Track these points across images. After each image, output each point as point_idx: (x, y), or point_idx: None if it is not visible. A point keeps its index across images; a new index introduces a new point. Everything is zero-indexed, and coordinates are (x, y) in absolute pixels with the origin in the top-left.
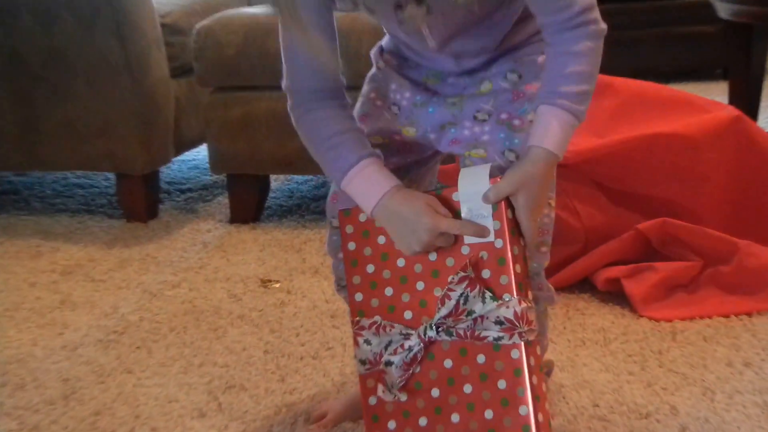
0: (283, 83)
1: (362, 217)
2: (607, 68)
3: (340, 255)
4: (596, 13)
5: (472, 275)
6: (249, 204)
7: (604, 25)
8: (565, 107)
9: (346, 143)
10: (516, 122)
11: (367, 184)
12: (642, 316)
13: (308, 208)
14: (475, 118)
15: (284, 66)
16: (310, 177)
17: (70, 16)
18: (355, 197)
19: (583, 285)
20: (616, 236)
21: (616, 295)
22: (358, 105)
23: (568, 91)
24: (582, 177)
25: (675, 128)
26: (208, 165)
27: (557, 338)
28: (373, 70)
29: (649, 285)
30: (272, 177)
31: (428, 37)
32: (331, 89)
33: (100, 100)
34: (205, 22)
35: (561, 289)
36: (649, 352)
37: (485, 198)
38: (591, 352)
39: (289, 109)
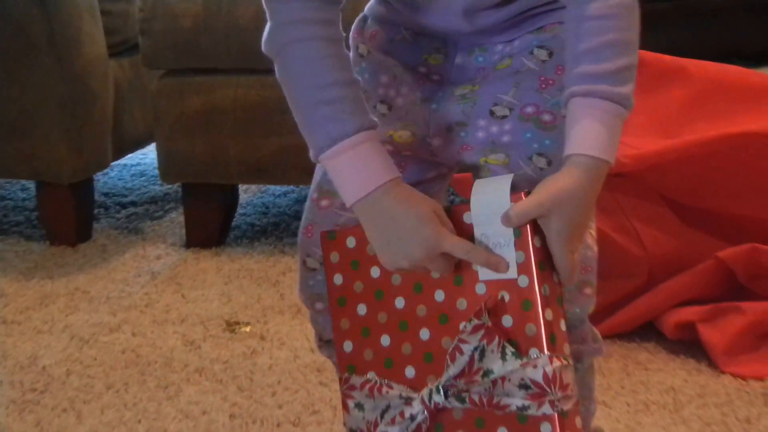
0: None
1: (351, 242)
2: (678, 48)
3: (319, 305)
4: None
5: (489, 323)
6: (211, 223)
7: None
8: (603, 94)
9: (345, 101)
10: (546, 117)
11: (360, 167)
12: (724, 373)
13: (288, 229)
14: (491, 114)
15: None
16: (290, 188)
17: None
18: (337, 178)
19: (647, 331)
20: (689, 267)
21: (689, 345)
22: None
23: (602, 70)
24: (645, 190)
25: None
26: (157, 171)
27: (612, 401)
28: (352, 55)
29: (734, 332)
30: (241, 188)
31: None
32: (330, 4)
33: (16, 85)
34: None
35: (618, 336)
36: (734, 420)
37: (505, 219)
38: (657, 419)
39: (266, 35)
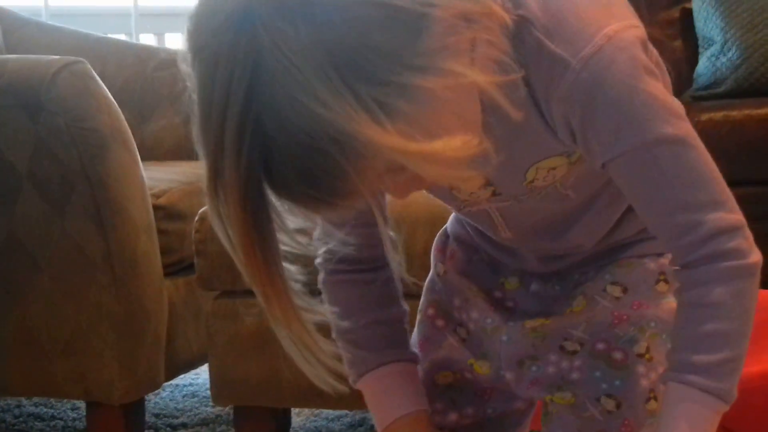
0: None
1: None
2: None
3: None
4: (740, 240)
5: None
6: None
7: (755, 257)
8: (700, 386)
9: (368, 340)
10: (617, 355)
11: (381, 399)
12: None
13: None
14: (561, 348)
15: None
16: (344, 412)
17: (34, 191)
18: (369, 405)
19: None
20: None
21: None
22: (416, 325)
23: (702, 361)
24: None
25: None
26: (209, 392)
27: None
28: (432, 274)
29: None
30: (294, 411)
31: (501, 225)
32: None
33: (70, 304)
34: None
35: None
36: None
37: None
38: None
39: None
